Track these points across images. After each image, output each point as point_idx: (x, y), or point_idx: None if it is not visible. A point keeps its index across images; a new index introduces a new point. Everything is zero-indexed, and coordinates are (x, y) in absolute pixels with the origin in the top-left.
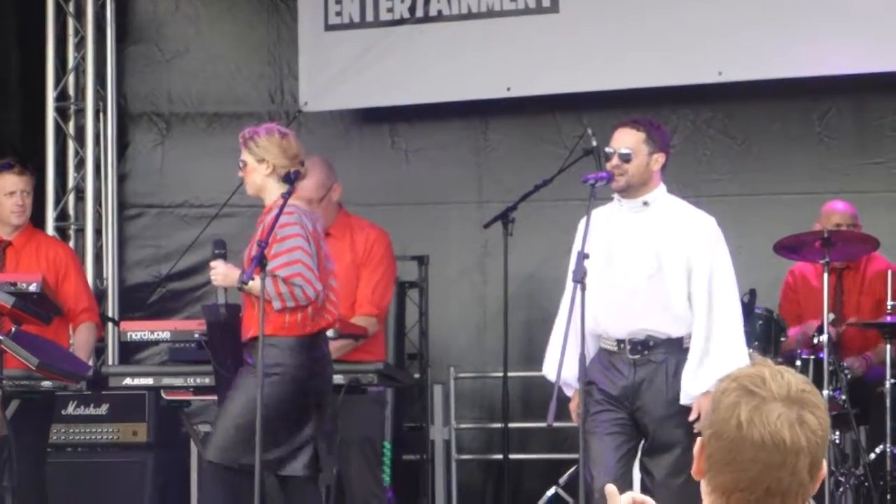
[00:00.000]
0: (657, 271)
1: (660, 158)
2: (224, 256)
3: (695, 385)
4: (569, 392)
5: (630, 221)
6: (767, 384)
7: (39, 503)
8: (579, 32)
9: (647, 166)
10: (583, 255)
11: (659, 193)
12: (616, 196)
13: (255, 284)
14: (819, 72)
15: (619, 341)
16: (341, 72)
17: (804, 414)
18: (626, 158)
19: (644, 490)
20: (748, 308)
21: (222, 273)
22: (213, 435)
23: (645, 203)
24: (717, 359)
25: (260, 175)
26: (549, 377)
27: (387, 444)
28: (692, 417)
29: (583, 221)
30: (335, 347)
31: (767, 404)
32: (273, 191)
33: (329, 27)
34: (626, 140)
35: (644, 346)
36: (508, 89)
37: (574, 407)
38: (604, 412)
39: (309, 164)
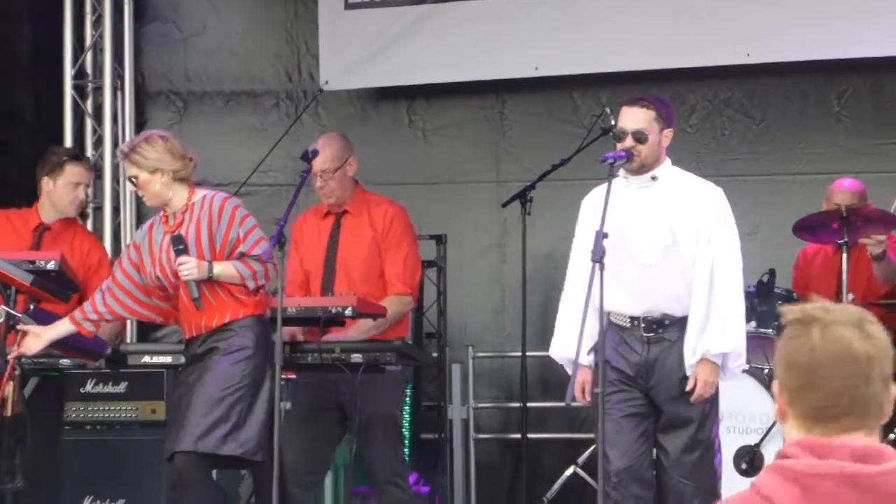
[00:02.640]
0: (672, 244)
1: (669, 134)
2: (185, 251)
3: (693, 357)
4: (575, 370)
5: (639, 197)
6: (830, 311)
7: (53, 479)
8: (604, 12)
9: (658, 144)
10: (601, 234)
11: (666, 167)
12: (622, 172)
13: (224, 269)
14: (846, 54)
15: (633, 318)
16: (361, 51)
17: (868, 328)
18: (639, 138)
19: (659, 466)
20: (768, 288)
21: (195, 266)
22: (183, 424)
23: (653, 178)
24: (715, 332)
25: (158, 184)
26: (556, 357)
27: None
28: (688, 387)
29: (586, 200)
30: (367, 328)
31: (834, 325)
32: (179, 192)
33: (349, 5)
34: (638, 119)
35: (659, 325)
36: (536, 69)
37: (580, 385)
38: (618, 392)
39: (325, 138)
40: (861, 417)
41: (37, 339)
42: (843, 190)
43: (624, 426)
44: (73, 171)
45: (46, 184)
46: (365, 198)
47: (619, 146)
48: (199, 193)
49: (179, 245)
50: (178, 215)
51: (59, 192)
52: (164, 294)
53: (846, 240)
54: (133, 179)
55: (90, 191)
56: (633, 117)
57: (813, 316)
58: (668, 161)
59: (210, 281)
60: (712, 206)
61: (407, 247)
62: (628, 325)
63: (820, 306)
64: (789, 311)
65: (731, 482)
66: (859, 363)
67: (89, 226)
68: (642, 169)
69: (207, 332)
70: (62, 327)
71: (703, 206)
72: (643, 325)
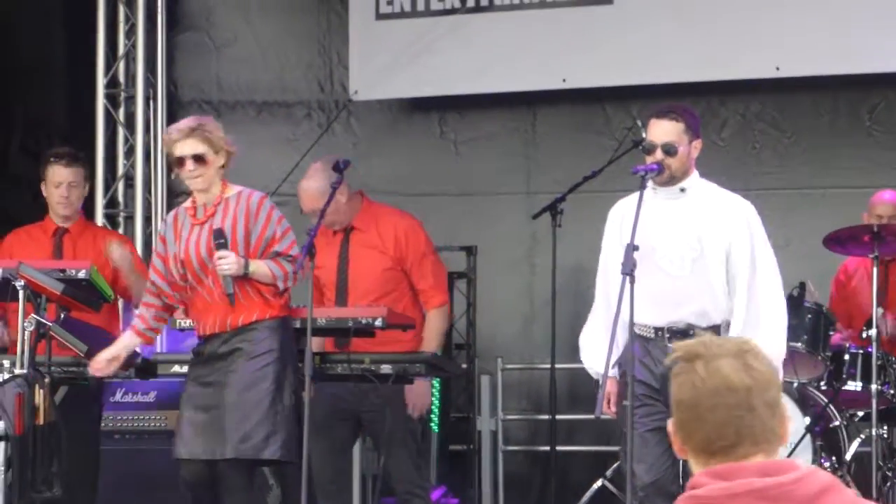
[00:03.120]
0: (700, 256)
1: (698, 145)
2: (225, 245)
3: None
4: (604, 383)
5: (668, 209)
6: (710, 346)
7: (90, 489)
8: (635, 24)
9: (688, 155)
10: (632, 247)
11: (694, 179)
12: (650, 184)
13: (258, 268)
14: (875, 68)
15: (658, 329)
16: (392, 61)
17: (747, 360)
18: (669, 150)
19: (685, 475)
20: (797, 301)
21: (234, 261)
22: (220, 430)
23: (682, 190)
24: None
25: (216, 166)
26: (589, 368)
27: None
28: None
29: (613, 211)
30: (426, 338)
31: (715, 359)
32: (217, 184)
33: (380, 16)
34: (667, 131)
35: (684, 336)
36: (564, 80)
37: (607, 397)
38: (643, 406)
39: (306, 179)
40: (754, 444)
41: (107, 363)
42: (885, 202)
43: (649, 440)
44: (54, 172)
45: (43, 188)
46: (372, 211)
47: (650, 159)
48: (234, 189)
49: (220, 239)
50: (210, 208)
51: (48, 193)
52: (180, 285)
53: (877, 254)
54: (197, 157)
55: (84, 189)
56: (663, 130)
57: (695, 352)
58: (696, 173)
59: (244, 278)
60: (743, 220)
61: (430, 258)
62: (653, 335)
63: (700, 341)
64: (675, 349)
65: None
66: (739, 394)
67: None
68: (672, 181)
69: (232, 330)
70: (127, 341)
71: (734, 220)
72: (668, 335)
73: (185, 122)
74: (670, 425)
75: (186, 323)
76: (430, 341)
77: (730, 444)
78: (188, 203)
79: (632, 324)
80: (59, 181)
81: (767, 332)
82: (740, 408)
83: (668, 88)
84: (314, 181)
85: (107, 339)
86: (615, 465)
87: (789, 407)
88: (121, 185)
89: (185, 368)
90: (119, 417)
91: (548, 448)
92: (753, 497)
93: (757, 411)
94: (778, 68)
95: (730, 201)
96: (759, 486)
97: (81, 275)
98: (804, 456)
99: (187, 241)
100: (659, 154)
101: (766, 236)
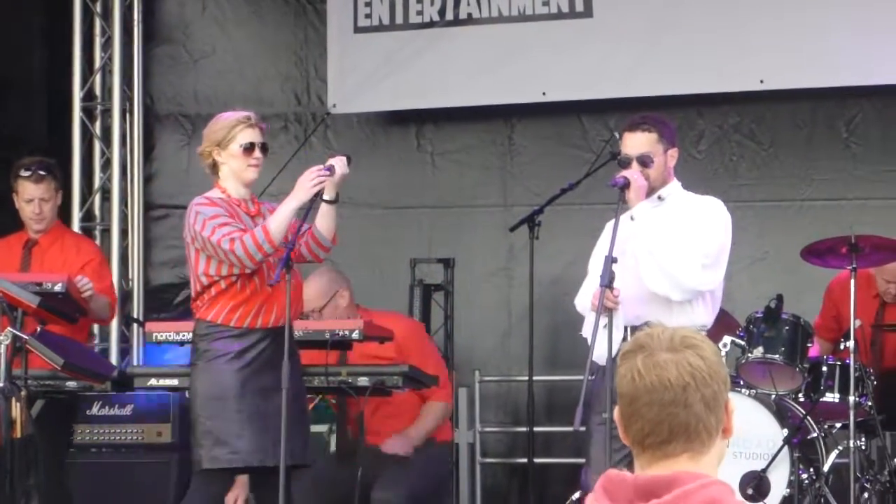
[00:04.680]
0: None
1: (674, 153)
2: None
3: None
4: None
5: (646, 217)
6: (655, 339)
7: (63, 502)
8: (615, 37)
9: (664, 164)
10: (610, 259)
11: (674, 188)
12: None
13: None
14: (854, 81)
15: (634, 328)
16: (370, 74)
17: (687, 355)
18: (644, 162)
19: None
20: (775, 313)
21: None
22: (287, 436)
23: (660, 198)
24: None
25: None
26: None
27: None
28: None
29: (609, 223)
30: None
31: (655, 354)
32: None
33: (358, 29)
34: (641, 143)
35: None
36: (544, 94)
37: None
38: (603, 413)
39: (313, 275)
40: (686, 442)
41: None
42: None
43: (607, 448)
44: (24, 188)
45: (15, 199)
46: (370, 319)
47: (625, 172)
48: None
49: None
50: (253, 203)
51: (20, 207)
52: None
53: (855, 266)
54: (265, 147)
55: (57, 200)
56: (637, 142)
57: (639, 344)
58: (676, 182)
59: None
60: (708, 211)
61: (431, 359)
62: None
63: (648, 333)
64: (626, 342)
65: None
66: (675, 390)
67: None
68: (650, 191)
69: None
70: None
71: (700, 213)
72: (629, 335)
73: (253, 115)
74: (616, 413)
75: (163, 336)
76: (422, 424)
77: (662, 440)
78: (232, 198)
79: (610, 335)
80: (29, 197)
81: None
82: (675, 405)
83: (646, 101)
84: (316, 280)
85: (85, 351)
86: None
87: (767, 418)
88: (97, 199)
89: (161, 381)
90: (96, 431)
91: (526, 460)
92: None
93: (693, 408)
94: (762, 81)
95: (703, 203)
96: None
97: (58, 288)
98: (782, 467)
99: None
100: (635, 166)
101: (725, 231)
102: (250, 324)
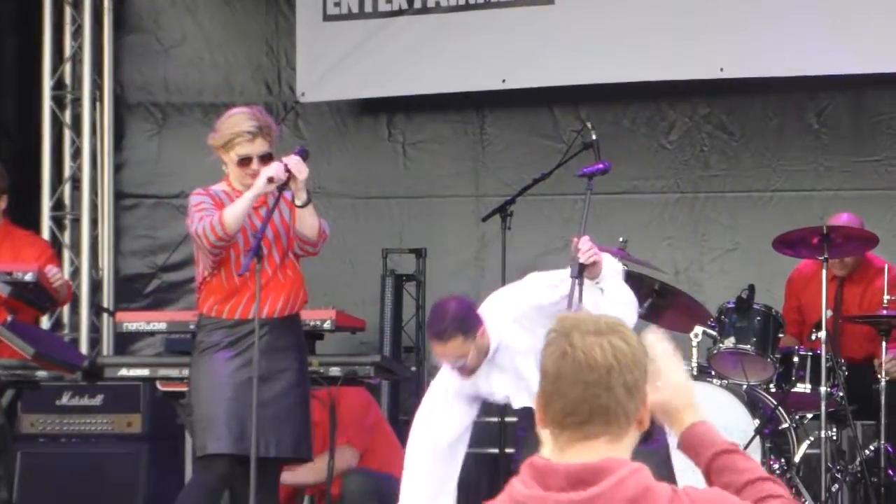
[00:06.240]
0: None
1: (482, 330)
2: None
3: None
4: None
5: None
6: (582, 323)
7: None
8: (576, 24)
9: (483, 342)
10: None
11: (496, 341)
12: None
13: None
14: (821, 71)
15: None
16: (339, 62)
17: (613, 339)
18: (464, 365)
19: None
20: (747, 304)
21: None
22: (281, 428)
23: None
24: None
25: None
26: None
27: None
28: None
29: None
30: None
31: (583, 337)
32: None
33: (328, 17)
34: (454, 351)
35: None
36: (504, 81)
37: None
38: None
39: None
40: (604, 425)
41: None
42: (841, 224)
43: None
44: None
45: None
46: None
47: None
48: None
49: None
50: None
51: None
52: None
53: (826, 256)
54: (267, 156)
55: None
56: (450, 352)
57: (569, 326)
58: (495, 336)
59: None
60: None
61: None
62: None
63: (574, 317)
64: (554, 321)
65: None
66: (599, 372)
67: (66, 238)
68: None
69: (280, 317)
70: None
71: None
72: None
73: (264, 118)
74: (536, 396)
75: (133, 326)
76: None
77: (582, 420)
78: (227, 188)
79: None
80: None
81: None
82: (598, 386)
83: (616, 90)
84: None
85: (55, 341)
86: None
87: (738, 408)
88: (67, 188)
89: (132, 372)
90: (66, 421)
91: (497, 450)
92: None
93: (614, 391)
94: (722, 69)
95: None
96: (553, 501)
97: (28, 277)
98: (754, 457)
99: (281, 216)
100: (459, 363)
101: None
102: (241, 315)
